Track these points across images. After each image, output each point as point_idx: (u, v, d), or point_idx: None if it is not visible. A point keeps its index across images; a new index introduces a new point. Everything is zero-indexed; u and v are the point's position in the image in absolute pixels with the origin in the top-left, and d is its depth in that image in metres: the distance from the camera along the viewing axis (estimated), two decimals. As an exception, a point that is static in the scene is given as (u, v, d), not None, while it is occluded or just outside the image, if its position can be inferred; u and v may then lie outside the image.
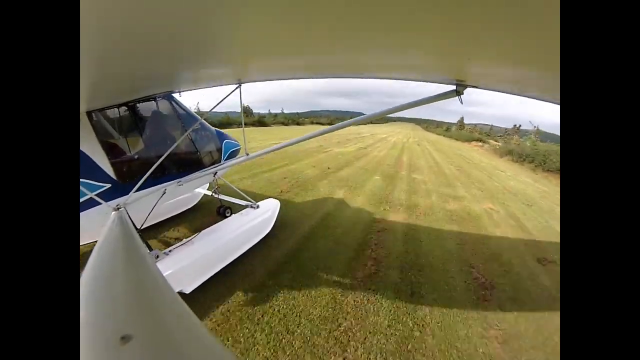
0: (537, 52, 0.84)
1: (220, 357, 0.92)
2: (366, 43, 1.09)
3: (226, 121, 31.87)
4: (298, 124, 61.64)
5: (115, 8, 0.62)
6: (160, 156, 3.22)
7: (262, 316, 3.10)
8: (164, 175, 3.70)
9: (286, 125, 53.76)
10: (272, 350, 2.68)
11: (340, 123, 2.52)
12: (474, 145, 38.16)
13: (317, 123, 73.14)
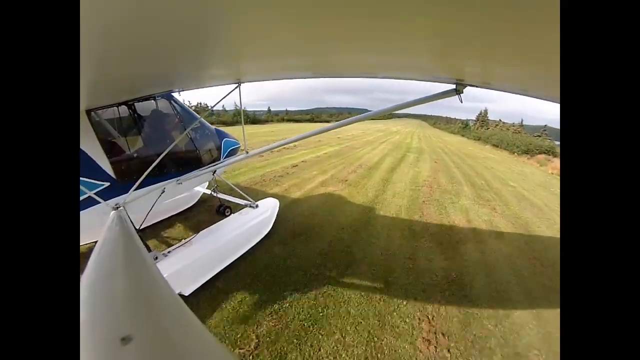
0: (536, 51, 0.84)
1: (221, 358, 0.92)
2: (366, 43, 1.08)
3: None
4: (254, 122, 46.57)
5: (115, 8, 0.62)
6: (160, 155, 3.22)
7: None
8: (163, 173, 3.70)
9: (229, 125, 36.59)
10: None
11: (342, 121, 2.52)
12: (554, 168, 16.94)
13: (291, 120, 56.73)
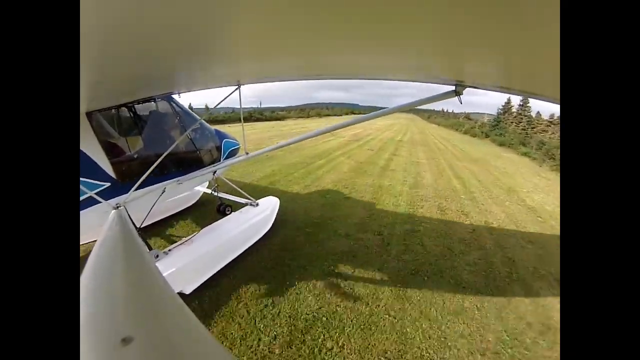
0: (536, 52, 0.84)
1: (221, 359, 0.91)
2: (366, 44, 1.09)
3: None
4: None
5: (115, 9, 0.62)
6: (160, 156, 3.23)
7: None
8: (163, 174, 3.70)
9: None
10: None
11: (342, 122, 2.52)
12: None
13: (212, 122, 47.94)
